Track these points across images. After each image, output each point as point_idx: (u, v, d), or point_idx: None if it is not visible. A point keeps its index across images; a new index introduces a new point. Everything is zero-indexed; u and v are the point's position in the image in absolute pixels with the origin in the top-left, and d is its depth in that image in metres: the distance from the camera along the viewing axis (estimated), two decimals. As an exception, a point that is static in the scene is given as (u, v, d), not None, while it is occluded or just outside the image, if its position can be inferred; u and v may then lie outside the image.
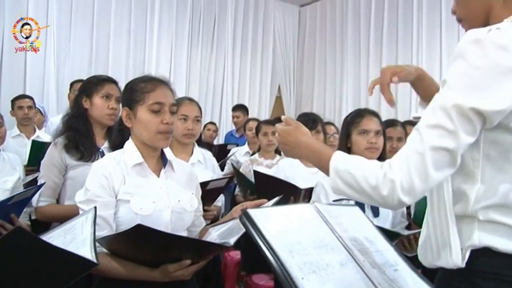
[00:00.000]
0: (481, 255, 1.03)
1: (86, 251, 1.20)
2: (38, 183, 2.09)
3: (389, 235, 1.65)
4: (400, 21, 6.04)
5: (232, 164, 3.97)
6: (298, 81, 7.60)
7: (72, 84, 4.27)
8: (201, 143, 2.78)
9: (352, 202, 2.15)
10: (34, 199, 2.07)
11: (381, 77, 1.29)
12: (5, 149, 2.74)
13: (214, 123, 5.91)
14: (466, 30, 1.10)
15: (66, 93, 4.58)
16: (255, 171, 2.90)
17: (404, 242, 2.06)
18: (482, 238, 1.03)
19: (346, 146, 2.26)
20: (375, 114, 2.30)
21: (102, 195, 1.54)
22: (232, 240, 1.43)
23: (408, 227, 2.34)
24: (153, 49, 6.05)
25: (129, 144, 1.67)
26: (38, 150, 2.96)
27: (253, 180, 2.95)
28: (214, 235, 1.63)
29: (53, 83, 5.29)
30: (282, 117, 1.37)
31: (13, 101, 3.95)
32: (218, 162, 2.89)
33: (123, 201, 1.56)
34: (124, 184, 1.58)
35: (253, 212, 1.30)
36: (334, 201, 2.16)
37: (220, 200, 2.64)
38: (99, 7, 5.63)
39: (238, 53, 6.88)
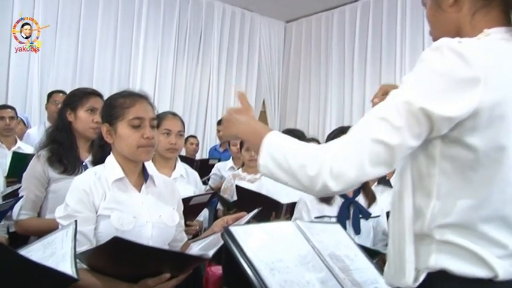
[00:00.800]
0: (437, 278, 0.99)
1: (66, 266, 1.18)
2: (20, 196, 2.07)
3: (370, 253, 1.67)
4: (384, 40, 6.14)
5: (209, 184, 3.97)
6: (282, 97, 7.65)
7: (50, 95, 4.22)
8: (182, 157, 2.78)
9: (333, 220, 2.18)
10: (15, 212, 2.05)
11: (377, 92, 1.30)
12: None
13: (195, 137, 5.89)
14: None
15: (48, 104, 4.54)
16: (237, 186, 2.90)
17: (385, 260, 2.07)
18: (439, 260, 0.99)
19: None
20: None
21: (82, 211, 1.54)
22: (211, 253, 1.43)
23: (389, 245, 2.36)
24: (138, 62, 6.03)
25: (110, 159, 1.67)
26: (19, 161, 2.93)
27: (234, 196, 2.95)
28: (195, 249, 1.63)
29: (36, 94, 5.23)
30: (240, 93, 1.31)
31: (-6, 110, 3.91)
32: (201, 176, 2.88)
33: (104, 217, 1.56)
34: (105, 199, 1.58)
35: (234, 229, 1.31)
36: (316, 217, 2.19)
37: (203, 215, 2.63)
38: (85, 18, 5.61)
39: (224, 67, 6.90)
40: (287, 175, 1.01)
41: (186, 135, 5.84)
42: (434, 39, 1.12)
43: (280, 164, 1.01)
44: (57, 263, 1.21)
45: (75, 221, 1.40)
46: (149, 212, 1.65)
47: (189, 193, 2.40)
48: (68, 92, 3.66)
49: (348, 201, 2.22)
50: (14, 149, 3.69)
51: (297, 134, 2.91)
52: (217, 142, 6.01)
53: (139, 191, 1.67)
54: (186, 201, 1.97)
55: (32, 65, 5.23)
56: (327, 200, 2.21)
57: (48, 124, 3.93)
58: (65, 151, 2.11)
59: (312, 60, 7.15)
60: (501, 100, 0.92)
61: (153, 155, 1.72)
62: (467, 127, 0.92)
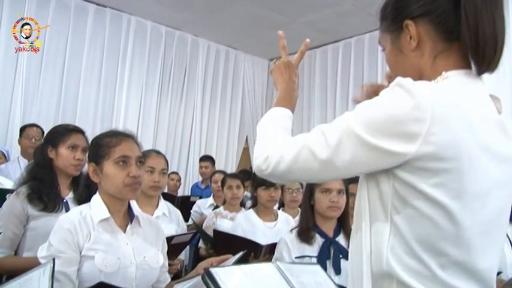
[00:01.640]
0: None
1: (44, 308, 1.18)
2: None
3: (350, 294, 1.67)
4: (365, 79, 6.24)
5: (192, 219, 3.95)
6: (265, 134, 7.69)
7: (23, 129, 4.15)
8: (163, 194, 2.78)
9: (314, 259, 2.19)
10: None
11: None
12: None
13: (177, 173, 5.89)
14: None
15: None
16: (214, 230, 2.87)
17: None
18: None
19: (309, 204, 2.30)
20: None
21: (66, 251, 1.52)
22: None
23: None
24: (122, 97, 6.03)
25: (96, 198, 1.67)
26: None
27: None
28: (179, 292, 1.63)
29: (18, 126, 5.11)
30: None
31: (-26, 143, 3.88)
32: (181, 213, 2.87)
33: (88, 257, 1.54)
34: (89, 240, 1.57)
35: (215, 271, 1.32)
36: (296, 257, 2.19)
37: (183, 254, 2.62)
38: (70, 52, 5.62)
39: (208, 104, 6.95)
40: (255, 147, 1.15)
41: (169, 171, 5.85)
42: None
43: (259, 138, 1.17)
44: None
45: (53, 259, 1.39)
46: (134, 253, 1.64)
47: (171, 232, 2.40)
48: (45, 126, 3.66)
49: (329, 241, 2.23)
50: (-9, 183, 3.63)
51: None
52: (200, 179, 5.99)
53: (125, 231, 1.67)
54: (168, 240, 1.97)
55: (14, 97, 5.19)
56: (307, 239, 2.22)
57: (22, 159, 3.89)
58: (46, 188, 2.10)
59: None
60: (452, 143, 0.90)
61: (139, 193, 1.73)
62: (414, 167, 0.91)
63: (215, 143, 7.02)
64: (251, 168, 6.85)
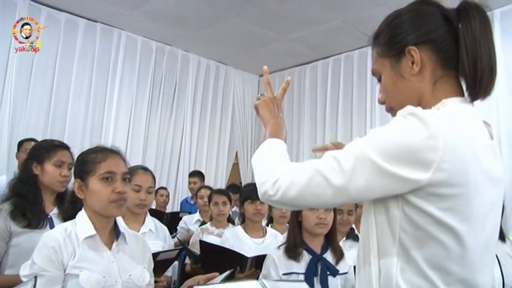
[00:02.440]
0: None
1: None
2: None
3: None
4: (354, 94, 6.29)
5: (177, 236, 3.91)
6: (255, 149, 7.51)
7: (21, 143, 4.14)
8: (152, 210, 2.76)
9: (301, 276, 2.17)
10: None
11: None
12: None
13: (165, 188, 5.84)
14: None
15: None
16: (200, 241, 2.87)
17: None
18: None
19: (297, 220, 2.30)
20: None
21: (50, 269, 1.49)
22: None
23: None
24: (112, 112, 5.99)
25: (81, 215, 1.65)
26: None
27: (198, 250, 2.92)
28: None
29: (5, 141, 5.08)
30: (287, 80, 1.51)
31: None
32: (170, 230, 2.85)
33: (72, 276, 1.52)
34: (74, 258, 1.54)
35: (199, 290, 1.30)
36: (284, 274, 2.18)
37: (171, 270, 2.59)
38: (60, 66, 5.58)
39: (197, 119, 6.93)
40: (256, 173, 1.15)
41: (158, 186, 5.81)
42: (390, 107, 1.17)
43: (260, 163, 1.16)
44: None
45: (35, 278, 1.37)
46: (119, 271, 1.62)
47: (157, 248, 2.37)
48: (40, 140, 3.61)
49: (316, 258, 2.22)
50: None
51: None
52: (189, 194, 5.96)
53: (110, 248, 1.65)
54: (154, 256, 1.95)
55: (2, 112, 5.12)
56: (294, 256, 2.21)
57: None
58: (29, 205, 2.06)
59: (284, 113, 7.20)
60: (461, 170, 0.95)
61: (125, 209, 1.71)
62: (426, 193, 0.95)
63: (205, 159, 6.98)
64: (240, 183, 6.85)
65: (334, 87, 6.60)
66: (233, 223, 3.65)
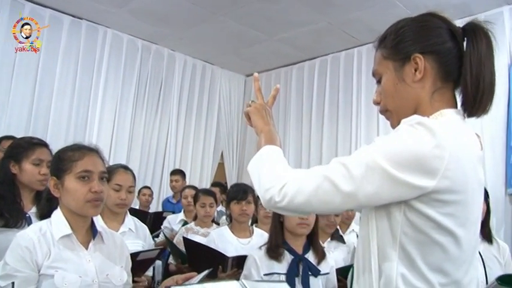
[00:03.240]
0: None
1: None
2: None
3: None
4: (340, 95, 6.31)
5: (163, 233, 3.88)
6: (241, 149, 7.68)
7: (0, 141, 4.09)
8: (135, 210, 2.73)
9: (283, 276, 2.17)
10: None
11: None
12: None
13: (149, 188, 5.80)
14: (392, 121, 1.19)
15: (-2, 150, 4.36)
16: (184, 238, 2.87)
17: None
18: None
19: (279, 220, 2.29)
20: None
21: (23, 270, 1.45)
22: None
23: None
24: (96, 110, 5.92)
25: (57, 214, 1.61)
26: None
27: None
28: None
29: (-13, 139, 5.03)
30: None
31: None
32: (154, 229, 2.82)
33: (47, 276, 1.48)
34: (49, 258, 1.50)
35: (176, 290, 1.29)
36: (265, 274, 2.17)
37: (151, 270, 2.56)
38: (44, 63, 5.50)
39: (183, 118, 6.89)
40: (256, 180, 1.14)
41: (142, 186, 5.78)
42: (385, 109, 1.20)
43: (261, 169, 1.14)
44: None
45: (12, 283, 1.34)
46: (96, 270, 1.59)
47: (137, 248, 2.35)
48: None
49: (298, 258, 2.22)
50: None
51: (243, 188, 2.96)
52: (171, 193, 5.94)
53: (87, 248, 1.62)
54: (133, 256, 1.93)
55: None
56: (276, 256, 2.21)
57: None
58: (7, 205, 2.01)
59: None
60: (462, 177, 1.00)
61: (101, 209, 1.68)
62: (430, 199, 0.99)
63: (190, 158, 6.95)
64: (226, 183, 6.83)
65: (321, 89, 6.61)
66: (217, 224, 3.64)
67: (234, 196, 2.89)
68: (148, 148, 6.51)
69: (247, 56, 6.75)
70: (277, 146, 1.24)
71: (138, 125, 6.41)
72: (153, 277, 2.84)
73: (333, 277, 2.32)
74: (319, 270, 2.23)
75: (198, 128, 7.12)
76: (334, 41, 6.00)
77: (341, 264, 2.67)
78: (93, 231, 1.67)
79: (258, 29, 5.82)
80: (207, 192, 3.63)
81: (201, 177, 7.04)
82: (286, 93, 7.05)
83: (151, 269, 2.55)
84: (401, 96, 1.14)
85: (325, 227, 2.84)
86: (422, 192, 0.98)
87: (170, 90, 6.78)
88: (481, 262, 2.41)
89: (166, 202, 5.81)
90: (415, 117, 1.02)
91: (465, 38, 1.12)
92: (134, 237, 2.44)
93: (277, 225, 2.29)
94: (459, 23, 1.17)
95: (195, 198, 3.53)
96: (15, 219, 1.99)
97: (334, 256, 2.68)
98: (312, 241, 2.33)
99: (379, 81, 1.21)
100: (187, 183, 5.53)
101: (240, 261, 2.37)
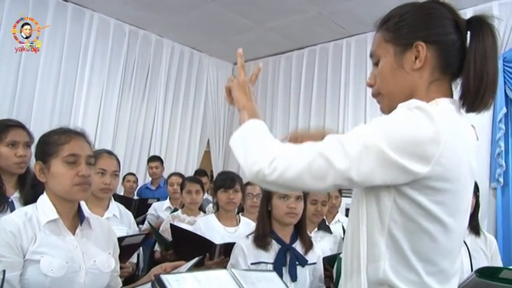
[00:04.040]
0: None
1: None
2: None
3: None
4: (328, 86, 6.31)
5: (148, 221, 3.86)
6: (227, 137, 7.64)
7: None
8: (120, 196, 2.70)
9: (270, 266, 2.16)
10: None
11: None
12: None
13: (134, 174, 5.76)
14: (383, 105, 1.18)
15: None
16: (171, 225, 2.85)
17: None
18: None
19: (266, 209, 2.28)
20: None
21: (7, 255, 1.41)
22: None
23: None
24: (82, 95, 5.84)
25: (44, 199, 1.57)
26: None
27: (169, 237, 2.89)
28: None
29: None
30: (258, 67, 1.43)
31: None
32: (138, 216, 2.80)
33: (32, 262, 1.44)
34: (34, 243, 1.46)
35: (165, 278, 1.26)
36: (252, 264, 2.16)
37: (135, 257, 2.55)
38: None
39: (170, 105, 6.83)
40: (241, 152, 1.11)
41: (127, 172, 5.73)
42: (378, 92, 1.18)
43: (246, 142, 1.12)
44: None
45: (4, 271, 1.30)
46: (83, 257, 1.56)
47: (121, 234, 2.33)
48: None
49: (285, 248, 2.21)
50: None
51: (230, 176, 2.96)
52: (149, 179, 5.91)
53: (74, 233, 1.59)
54: (118, 241, 1.90)
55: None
56: (263, 246, 2.20)
57: None
58: None
59: (258, 102, 7.18)
60: (456, 165, 1.00)
61: (89, 193, 1.65)
62: (421, 185, 0.98)
63: (176, 145, 6.90)
64: (212, 171, 6.80)
65: (309, 80, 6.59)
66: (204, 211, 3.63)
67: (222, 184, 2.88)
68: (134, 135, 6.45)
69: (236, 43, 6.67)
70: (261, 120, 1.21)
71: (124, 111, 6.34)
72: (137, 264, 2.82)
73: (320, 267, 2.32)
74: (307, 260, 2.23)
75: (185, 116, 7.07)
76: (323, 31, 5.97)
77: (325, 255, 2.67)
78: (80, 217, 1.63)
79: (247, 17, 5.77)
80: (193, 179, 3.63)
81: (186, 165, 6.99)
82: (274, 84, 7.03)
83: (135, 255, 2.53)
84: (397, 82, 1.13)
85: (312, 216, 2.84)
86: (415, 178, 0.97)
87: (157, 77, 6.70)
88: (467, 253, 2.44)
89: (144, 189, 5.72)
90: (414, 102, 1.01)
91: (468, 31, 1.10)
92: (118, 223, 2.42)
93: (265, 214, 2.28)
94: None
95: (182, 186, 3.51)
96: None
97: (321, 246, 2.68)
98: (300, 231, 2.32)
99: (376, 64, 1.19)
100: (174, 171, 5.50)
101: (227, 249, 2.36)
